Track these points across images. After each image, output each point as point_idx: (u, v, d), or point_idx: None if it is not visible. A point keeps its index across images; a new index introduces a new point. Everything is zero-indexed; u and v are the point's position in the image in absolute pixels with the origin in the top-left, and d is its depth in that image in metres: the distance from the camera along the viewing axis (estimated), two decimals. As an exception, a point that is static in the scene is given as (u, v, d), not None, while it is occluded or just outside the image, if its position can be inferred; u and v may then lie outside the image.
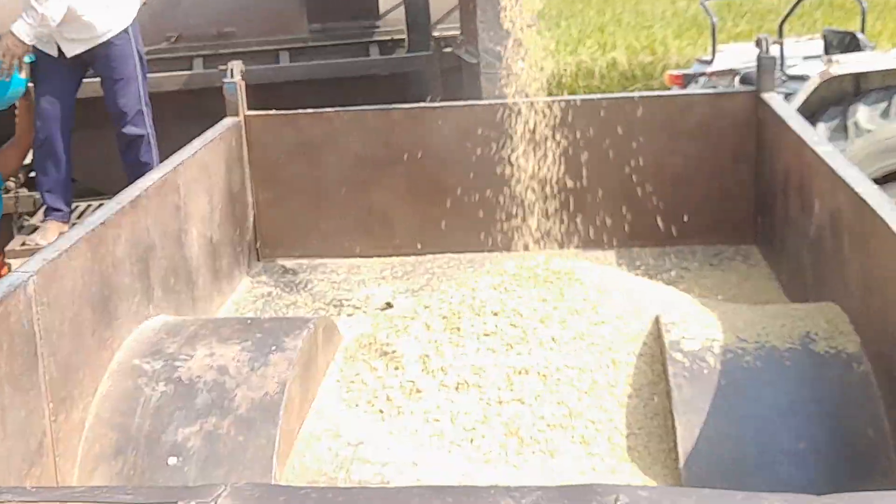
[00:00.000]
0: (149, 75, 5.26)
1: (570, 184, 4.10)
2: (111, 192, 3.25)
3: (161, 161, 3.51)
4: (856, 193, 2.71)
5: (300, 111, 4.30)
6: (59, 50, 4.97)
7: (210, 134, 3.87)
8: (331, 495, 1.39)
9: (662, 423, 2.64)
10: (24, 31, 4.76)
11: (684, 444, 2.43)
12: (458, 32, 5.93)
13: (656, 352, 2.80)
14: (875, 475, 2.34)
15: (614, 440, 2.62)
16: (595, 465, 2.56)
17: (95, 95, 5.18)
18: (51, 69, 5.02)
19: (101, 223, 2.81)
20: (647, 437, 2.63)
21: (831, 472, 2.35)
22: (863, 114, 5.93)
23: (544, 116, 4.03)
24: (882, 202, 2.60)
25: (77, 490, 1.73)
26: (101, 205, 3.54)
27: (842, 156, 3.09)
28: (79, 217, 5.32)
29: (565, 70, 11.77)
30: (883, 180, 5.86)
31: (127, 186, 3.23)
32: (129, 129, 5.05)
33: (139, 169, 4.70)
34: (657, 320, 2.85)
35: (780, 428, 2.43)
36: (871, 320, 2.58)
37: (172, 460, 2.48)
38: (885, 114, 5.94)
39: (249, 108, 4.25)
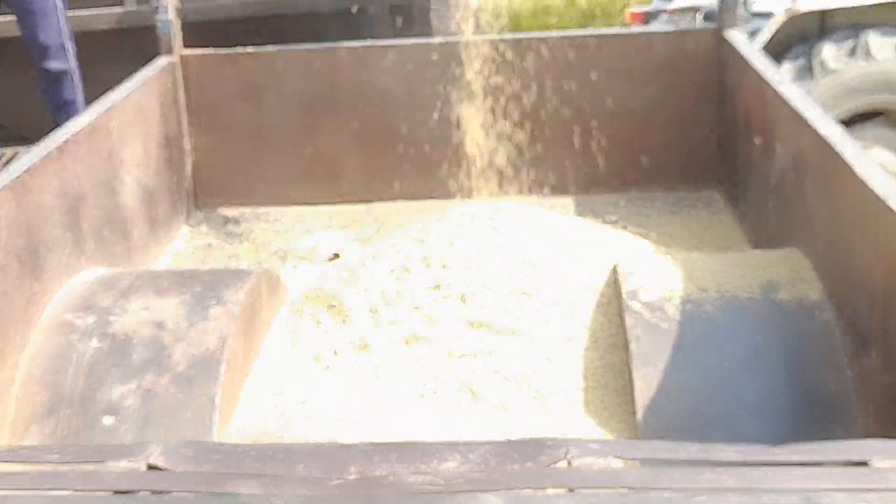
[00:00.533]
0: (77, 13, 5.16)
1: (524, 127, 4.10)
2: (37, 138, 3.19)
3: (88, 103, 3.44)
4: (819, 135, 2.73)
5: (240, 50, 4.25)
6: None
7: (143, 75, 3.81)
8: (270, 452, 1.39)
9: (620, 376, 2.67)
10: None
11: (642, 398, 2.46)
12: (406, -35, 5.87)
13: (614, 302, 2.82)
14: (837, 426, 2.38)
15: (570, 394, 2.65)
16: (551, 420, 2.58)
17: (18, 35, 5.08)
18: None
19: (27, 170, 2.76)
20: (604, 391, 2.66)
21: (793, 423, 2.39)
22: (829, 53, 5.96)
23: (497, 55, 4.02)
24: (846, 144, 2.62)
25: (1, 451, 1.72)
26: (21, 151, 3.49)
27: (805, 96, 3.11)
28: (3, 164, 5.24)
29: (521, 7, 11.72)
30: (849, 122, 5.91)
31: (52, 129, 3.17)
32: (51, 65, 4.95)
33: (64, 109, 4.62)
34: (615, 270, 2.87)
35: (741, 380, 2.47)
36: (834, 267, 2.61)
37: (108, 420, 2.47)
38: (852, 53, 5.98)
39: (186, 47, 4.20)
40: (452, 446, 1.41)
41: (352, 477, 1.34)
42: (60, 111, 4.53)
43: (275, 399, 2.70)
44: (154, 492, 1.33)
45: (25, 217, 2.72)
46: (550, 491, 1.32)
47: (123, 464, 1.39)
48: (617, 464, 1.43)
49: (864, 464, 1.37)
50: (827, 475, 1.32)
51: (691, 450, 1.40)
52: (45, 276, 2.78)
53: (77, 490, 1.33)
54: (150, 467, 1.41)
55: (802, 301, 2.62)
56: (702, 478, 1.33)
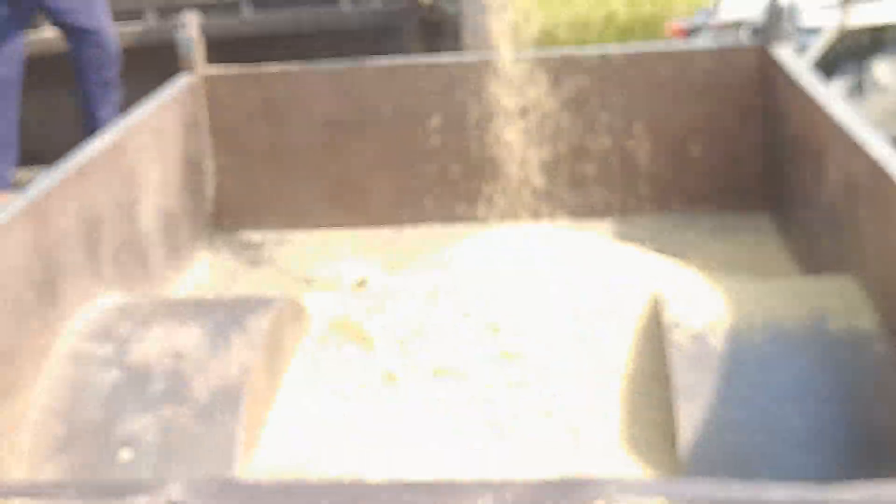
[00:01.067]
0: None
1: (561, 147, 4.10)
2: (53, 160, 3.22)
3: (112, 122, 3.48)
4: (871, 157, 2.72)
5: (264, 68, 4.28)
6: None
7: (164, 94, 3.84)
8: (294, 490, 1.39)
9: (660, 410, 2.65)
10: None
11: (684, 433, 2.44)
12: (437, -20, 5.90)
13: (654, 332, 2.81)
14: (892, 464, 2.35)
15: (608, 429, 2.63)
16: (587, 456, 2.56)
17: (40, 53, 5.14)
18: None
19: (44, 194, 2.79)
20: (643, 426, 2.64)
21: (844, 461, 2.36)
22: (881, 69, 5.94)
23: (532, 73, 4.02)
24: (900, 166, 2.60)
25: (17, 486, 1.73)
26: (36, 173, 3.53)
27: (857, 115, 3.09)
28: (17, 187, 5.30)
29: (557, 22, 11.74)
30: (903, 142, 5.87)
31: (67, 149, 3.19)
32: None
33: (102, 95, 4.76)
34: (655, 297, 2.86)
35: (789, 414, 2.44)
36: (889, 295, 2.59)
37: (126, 453, 2.48)
38: (906, 69, 5.96)
39: (208, 64, 4.23)
40: (485, 485, 1.40)
41: (378, 516, 1.34)
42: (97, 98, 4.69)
43: (298, 431, 2.70)
44: (174, 530, 1.33)
45: (42, 242, 2.74)
46: (588, 532, 1.31)
47: (143, 500, 1.39)
48: (659, 504, 1.42)
49: (920, 506, 1.35)
50: (881, 517, 1.31)
51: (737, 489, 1.38)
52: (62, 303, 2.80)
53: (94, 528, 1.34)
54: (171, 504, 1.41)
55: (855, 331, 2.59)
56: (748, 519, 1.32)
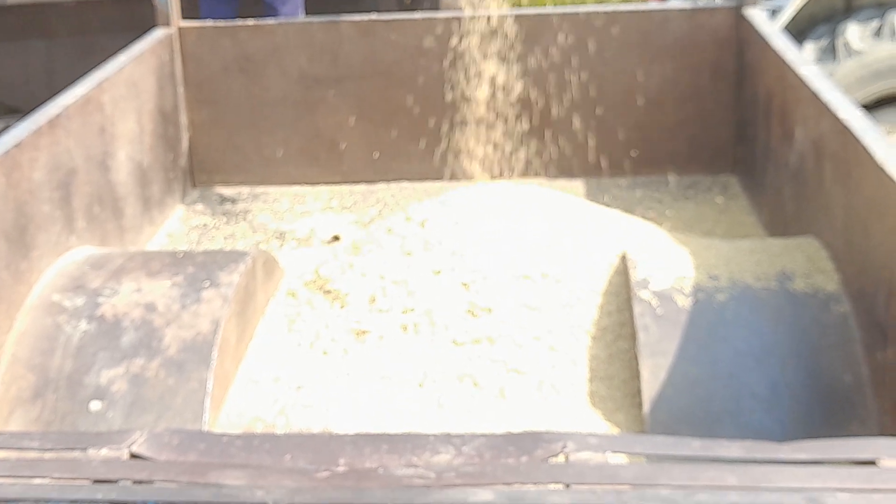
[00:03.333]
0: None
1: (534, 106, 4.10)
2: (29, 110, 3.19)
3: (82, 74, 3.44)
4: (839, 119, 2.72)
5: (239, 22, 4.24)
6: None
7: (139, 47, 3.81)
8: (257, 442, 1.39)
9: (628, 366, 2.67)
10: None
11: (649, 389, 2.45)
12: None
13: (622, 290, 2.82)
14: (852, 422, 2.37)
15: (575, 385, 2.64)
16: (554, 411, 2.58)
17: (12, 3, 5.08)
18: None
19: (16, 145, 2.76)
20: (610, 382, 2.66)
21: (805, 418, 2.39)
22: (853, 33, 5.92)
23: (507, 31, 4.01)
24: (867, 129, 2.60)
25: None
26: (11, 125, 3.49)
27: (826, 78, 3.10)
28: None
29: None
30: (874, 105, 5.88)
31: (44, 100, 3.16)
32: None
33: None
34: (624, 256, 2.86)
35: (752, 372, 2.46)
36: (852, 257, 2.60)
37: (95, 404, 2.48)
38: (878, 33, 5.94)
39: (183, 18, 4.19)
40: (446, 438, 1.41)
41: (340, 468, 1.34)
42: None
43: (269, 385, 2.71)
44: (135, 481, 1.33)
45: (14, 193, 2.72)
46: (546, 486, 1.32)
47: (105, 452, 1.39)
48: (617, 459, 1.43)
49: (871, 463, 1.37)
50: (832, 474, 1.32)
51: (693, 446, 1.39)
52: (34, 254, 2.79)
53: (56, 478, 1.34)
54: (133, 456, 1.41)
55: (818, 292, 2.61)
56: (703, 475, 1.33)
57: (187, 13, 4.24)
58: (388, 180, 4.25)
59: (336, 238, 3.78)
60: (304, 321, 2.95)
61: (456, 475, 1.31)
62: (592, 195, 3.97)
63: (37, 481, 1.35)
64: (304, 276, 3.17)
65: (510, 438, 1.43)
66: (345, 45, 4.16)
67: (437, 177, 4.15)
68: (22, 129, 2.87)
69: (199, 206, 4.16)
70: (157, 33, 4.03)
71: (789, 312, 2.58)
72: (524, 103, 4.07)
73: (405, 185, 4.22)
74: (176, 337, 2.60)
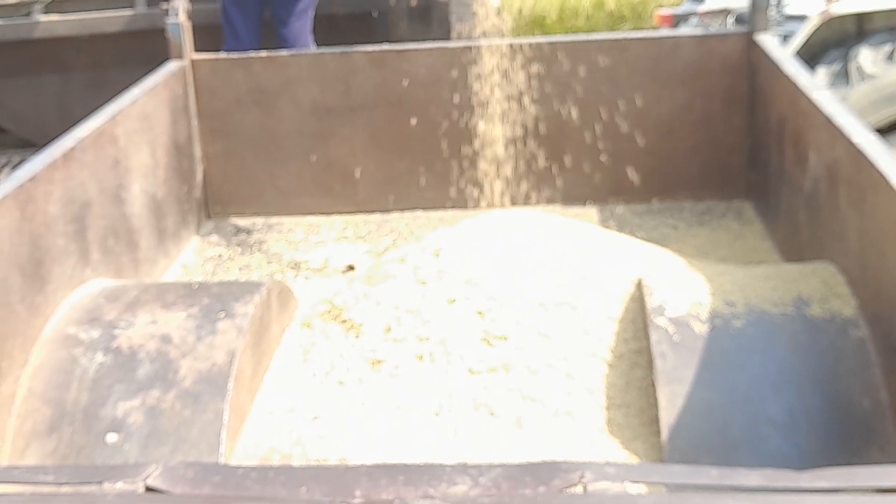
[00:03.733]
0: (86, 15, 5.18)
1: (548, 134, 4.10)
2: (41, 143, 3.21)
3: (96, 108, 3.46)
4: (853, 144, 2.71)
5: (252, 54, 4.26)
6: None
7: (152, 80, 3.83)
8: (272, 475, 1.38)
9: (644, 394, 2.65)
10: None
11: (667, 417, 2.44)
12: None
13: (638, 317, 2.81)
14: (871, 448, 2.35)
15: (592, 413, 2.63)
16: (571, 439, 2.56)
17: (27, 38, 5.11)
18: None
19: (30, 178, 2.77)
20: (627, 409, 2.64)
21: (824, 445, 2.37)
22: (866, 57, 5.93)
23: (520, 60, 4.02)
24: (881, 153, 2.59)
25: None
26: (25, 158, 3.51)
27: (839, 103, 3.09)
28: (7, 172, 5.28)
29: (546, 9, 11.72)
30: (888, 129, 5.87)
31: (58, 134, 3.17)
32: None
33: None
34: (639, 283, 2.85)
35: (770, 398, 2.44)
36: (868, 281, 2.59)
37: (111, 437, 2.47)
38: (891, 57, 5.94)
39: (197, 50, 4.21)
40: (462, 469, 1.40)
41: (356, 500, 1.33)
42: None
43: (285, 416, 2.70)
44: (151, 515, 1.33)
45: (29, 227, 2.73)
46: (563, 517, 1.31)
47: (120, 485, 1.39)
48: (635, 489, 1.41)
49: (894, 491, 1.35)
50: (855, 503, 1.30)
51: (713, 474, 1.38)
52: (49, 287, 2.79)
53: (72, 512, 1.33)
54: (149, 489, 1.40)
55: (835, 317, 2.59)
56: (723, 504, 1.31)
57: (201, 46, 4.25)
58: (401, 209, 4.25)
59: (351, 268, 3.78)
60: (319, 351, 2.94)
61: (473, 506, 1.30)
62: (606, 222, 3.96)
63: (52, 516, 1.35)
64: (318, 306, 3.17)
65: (527, 468, 1.41)
66: (357, 75, 4.18)
67: (451, 206, 4.15)
68: (37, 163, 2.88)
69: (214, 238, 4.16)
70: (171, 66, 4.05)
71: (806, 338, 2.56)
72: (536, 131, 4.07)
73: (419, 213, 4.22)
74: (192, 368, 2.60)
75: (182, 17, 4.12)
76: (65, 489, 1.41)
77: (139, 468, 1.41)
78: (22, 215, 2.70)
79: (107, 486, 1.36)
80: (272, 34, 5.19)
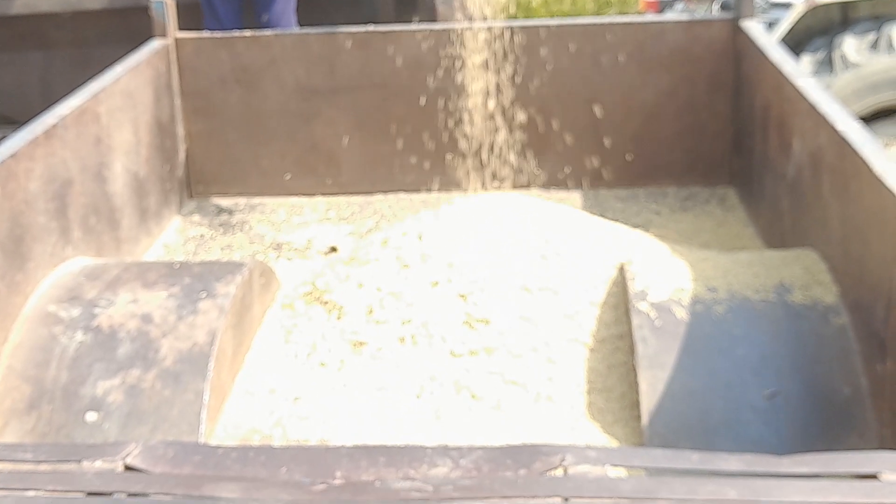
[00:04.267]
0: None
1: (531, 118, 4.09)
2: (25, 120, 3.18)
3: (79, 86, 3.43)
4: (836, 131, 2.72)
5: (236, 34, 4.24)
6: None
7: (135, 58, 3.80)
8: (252, 454, 1.38)
9: (625, 378, 2.66)
10: None
11: (647, 401, 2.44)
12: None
13: (620, 302, 2.81)
14: (851, 435, 2.36)
15: (573, 397, 2.63)
16: (552, 423, 2.56)
17: (8, 14, 5.07)
18: None
19: (11, 155, 2.75)
20: (608, 394, 2.65)
21: (804, 430, 2.38)
22: (850, 45, 5.94)
23: (504, 43, 4.01)
24: (864, 141, 2.60)
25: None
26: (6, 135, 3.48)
27: (824, 90, 3.09)
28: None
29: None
30: (871, 118, 5.89)
31: (40, 112, 3.15)
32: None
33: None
34: (622, 268, 2.86)
35: (750, 384, 2.45)
36: (850, 269, 2.60)
37: (91, 416, 2.46)
38: (874, 46, 5.95)
39: (180, 29, 4.18)
40: (443, 451, 1.39)
41: (336, 481, 1.33)
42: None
43: (266, 396, 2.69)
44: (130, 494, 1.32)
45: (9, 204, 2.71)
46: (544, 500, 1.31)
47: (99, 464, 1.38)
48: (615, 472, 1.41)
49: (873, 476, 1.35)
50: (834, 488, 1.31)
51: (693, 459, 1.38)
52: (29, 265, 2.77)
53: (50, 491, 1.32)
54: (128, 468, 1.40)
55: (816, 304, 2.60)
56: (703, 488, 1.31)
57: (184, 24, 4.23)
58: (384, 191, 4.24)
59: (333, 249, 3.77)
60: (301, 332, 2.94)
61: (454, 488, 1.29)
62: (589, 207, 3.96)
63: (30, 493, 1.34)
64: (301, 287, 3.16)
65: (508, 451, 1.41)
66: (342, 56, 4.16)
67: (435, 189, 4.15)
68: (18, 140, 2.86)
69: (196, 217, 4.14)
70: (154, 44, 4.02)
71: (787, 324, 2.57)
72: (520, 114, 4.07)
73: (402, 196, 4.22)
74: (172, 348, 2.59)
75: (166, -4, 4.10)
76: (43, 467, 1.41)
77: (118, 447, 1.41)
78: (2, 192, 2.68)
79: (86, 464, 1.36)
80: (254, 14, 5.16)
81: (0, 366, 2.57)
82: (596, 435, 2.53)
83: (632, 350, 2.61)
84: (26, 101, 5.21)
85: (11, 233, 2.70)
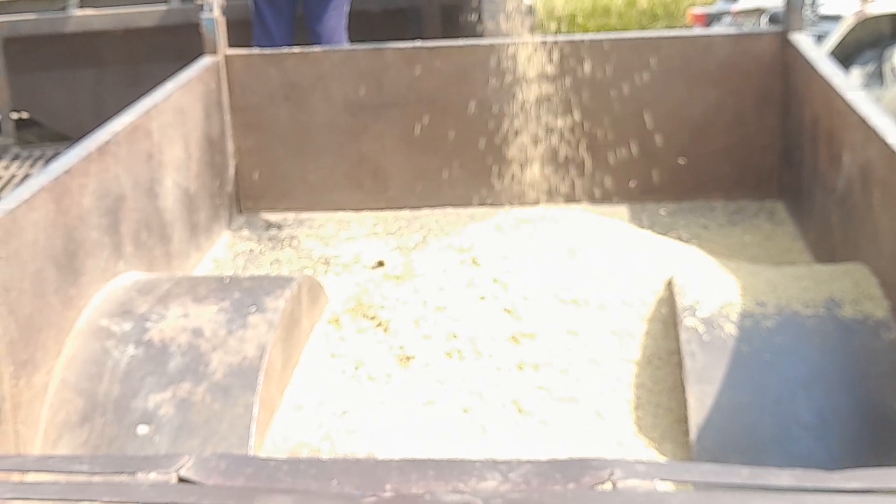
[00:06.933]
0: (121, 9, 5.22)
1: (578, 132, 4.09)
2: (78, 137, 3.23)
3: (130, 102, 3.48)
4: (887, 145, 2.70)
5: (285, 50, 4.28)
6: None
7: (186, 75, 3.85)
8: (304, 467, 1.39)
9: (674, 394, 2.65)
10: None
11: (696, 417, 2.43)
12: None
13: (669, 317, 2.80)
14: (902, 451, 2.34)
15: (622, 412, 2.63)
16: (600, 438, 2.56)
17: (62, 32, 5.15)
18: None
19: (66, 171, 2.80)
20: (656, 409, 2.64)
21: (854, 447, 2.36)
22: (901, 58, 5.89)
23: (552, 57, 4.02)
24: (916, 155, 2.58)
25: (30, 459, 1.74)
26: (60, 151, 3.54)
27: (874, 103, 3.07)
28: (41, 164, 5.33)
29: (578, 7, 11.70)
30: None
31: (92, 128, 3.20)
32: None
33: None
34: (670, 282, 2.85)
35: (800, 399, 2.44)
36: (901, 283, 2.58)
37: (142, 429, 2.49)
38: (926, 58, 5.91)
39: (230, 46, 4.23)
40: (492, 465, 1.40)
41: (387, 494, 1.34)
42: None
43: (314, 411, 2.71)
44: (184, 505, 1.34)
45: (63, 219, 2.75)
46: (593, 514, 1.31)
47: (153, 476, 1.40)
48: (664, 486, 1.41)
49: (926, 492, 1.35)
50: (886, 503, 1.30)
51: (742, 474, 1.38)
52: (82, 280, 2.81)
53: (105, 502, 1.35)
54: (181, 480, 1.42)
55: (867, 318, 2.58)
56: (753, 503, 1.31)
57: (234, 41, 4.28)
58: (431, 206, 4.26)
59: (381, 264, 3.79)
60: (349, 347, 2.95)
61: (503, 501, 1.30)
62: (637, 221, 3.95)
63: (85, 505, 1.36)
64: (348, 301, 3.18)
65: (557, 465, 1.42)
66: (389, 72, 4.19)
67: (481, 203, 4.16)
68: (72, 156, 2.91)
69: (245, 232, 4.19)
70: (205, 61, 4.07)
71: (837, 339, 2.55)
72: (568, 129, 4.07)
73: (449, 210, 4.23)
74: (222, 362, 2.61)
75: (216, 13, 4.15)
76: (98, 479, 1.43)
77: (172, 459, 1.43)
78: (57, 208, 2.72)
79: (140, 476, 1.38)
80: (306, 30, 5.21)
81: (54, 379, 2.61)
82: (643, 450, 2.52)
83: (680, 365, 2.60)
84: (79, 118, 5.30)
85: (65, 248, 2.75)
